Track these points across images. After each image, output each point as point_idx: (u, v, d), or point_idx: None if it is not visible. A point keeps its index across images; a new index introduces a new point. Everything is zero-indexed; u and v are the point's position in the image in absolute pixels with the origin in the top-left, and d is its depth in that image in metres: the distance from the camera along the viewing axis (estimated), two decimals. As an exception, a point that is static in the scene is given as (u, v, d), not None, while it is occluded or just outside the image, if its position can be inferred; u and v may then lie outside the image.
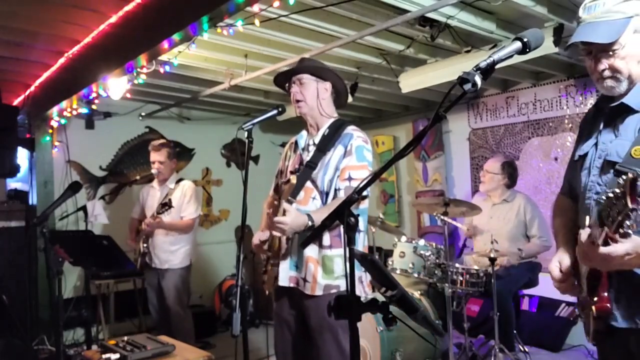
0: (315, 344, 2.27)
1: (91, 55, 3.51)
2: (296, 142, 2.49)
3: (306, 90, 2.35)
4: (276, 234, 2.26)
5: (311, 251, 2.26)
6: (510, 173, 4.01)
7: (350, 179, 2.24)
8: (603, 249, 1.27)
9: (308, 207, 2.28)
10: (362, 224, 2.32)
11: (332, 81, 2.38)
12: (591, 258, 1.34)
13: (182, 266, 3.97)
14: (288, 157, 2.53)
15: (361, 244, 2.33)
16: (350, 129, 2.35)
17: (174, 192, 3.98)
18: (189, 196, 3.99)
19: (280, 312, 2.41)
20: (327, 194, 2.29)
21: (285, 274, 2.30)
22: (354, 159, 2.27)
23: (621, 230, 1.22)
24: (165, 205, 3.73)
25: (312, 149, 2.38)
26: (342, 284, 2.22)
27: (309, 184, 2.31)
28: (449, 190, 5.48)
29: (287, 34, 3.36)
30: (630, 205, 1.15)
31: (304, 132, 2.48)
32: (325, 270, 2.24)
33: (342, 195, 2.24)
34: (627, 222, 1.20)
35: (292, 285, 2.30)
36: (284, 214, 2.19)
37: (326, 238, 2.25)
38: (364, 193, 2.15)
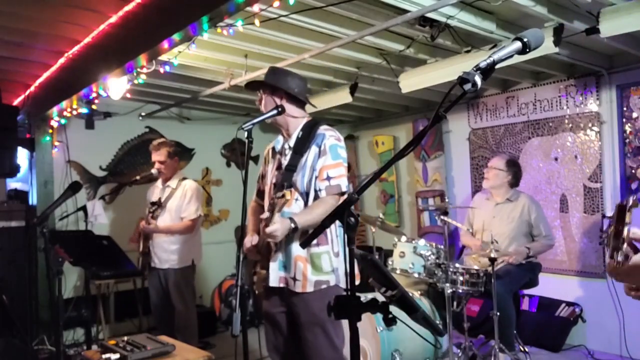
0: (306, 339, 2.33)
1: (91, 55, 3.51)
2: (273, 148, 2.57)
3: (264, 103, 2.48)
4: (272, 241, 2.32)
5: (299, 250, 2.31)
6: (515, 172, 4.02)
7: (329, 178, 2.32)
8: (629, 263, 1.18)
9: (292, 208, 2.36)
10: None
11: (282, 90, 2.43)
12: (619, 277, 1.23)
13: (182, 266, 3.94)
14: (267, 162, 2.60)
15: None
16: (323, 129, 2.42)
17: (175, 192, 3.97)
18: (189, 196, 3.96)
19: (270, 311, 2.47)
20: (308, 194, 2.36)
21: (275, 274, 2.36)
22: (329, 158, 2.34)
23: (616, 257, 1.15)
24: (155, 204, 3.72)
25: (288, 152, 2.45)
26: (331, 279, 2.32)
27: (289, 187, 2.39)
28: (449, 190, 5.48)
29: (287, 34, 3.36)
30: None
31: (280, 137, 2.56)
32: (314, 267, 2.31)
33: (323, 195, 2.32)
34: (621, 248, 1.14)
35: (281, 285, 2.37)
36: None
37: None
38: (344, 189, 2.32)
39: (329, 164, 2.33)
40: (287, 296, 2.37)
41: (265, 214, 2.36)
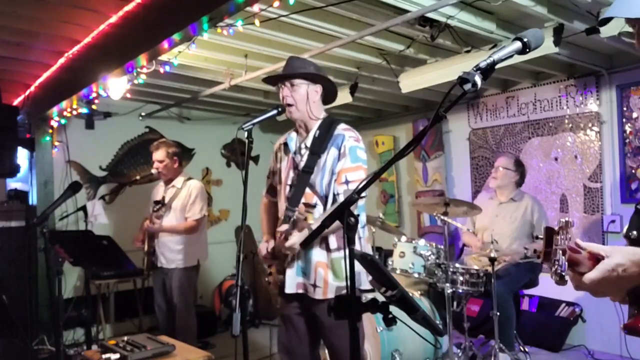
0: (331, 343, 2.31)
1: (91, 55, 3.51)
2: (286, 144, 2.48)
3: (297, 94, 2.33)
4: (288, 253, 2.28)
5: (320, 256, 2.27)
6: (522, 171, 4.06)
7: (347, 182, 2.26)
8: (588, 274, 1.11)
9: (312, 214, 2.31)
10: (361, 219, 2.35)
11: (322, 83, 2.37)
12: (583, 288, 1.16)
13: (187, 265, 3.93)
14: (280, 159, 2.52)
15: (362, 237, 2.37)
16: (341, 129, 2.34)
17: (180, 192, 3.96)
18: (194, 196, 3.95)
19: (288, 313, 2.42)
20: (327, 197, 2.31)
21: (292, 280, 2.31)
22: (349, 160, 2.28)
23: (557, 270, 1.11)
24: (159, 203, 3.71)
25: (304, 152, 2.37)
26: None
27: (307, 189, 2.32)
28: (449, 190, 5.48)
29: (287, 34, 3.36)
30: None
31: (293, 134, 2.47)
32: (335, 273, 2.26)
33: (341, 199, 2.23)
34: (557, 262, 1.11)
35: (300, 291, 2.31)
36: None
37: (332, 241, 2.27)
38: (362, 194, 2.18)
39: (348, 167, 2.27)
40: (307, 302, 2.32)
41: (284, 227, 2.29)
